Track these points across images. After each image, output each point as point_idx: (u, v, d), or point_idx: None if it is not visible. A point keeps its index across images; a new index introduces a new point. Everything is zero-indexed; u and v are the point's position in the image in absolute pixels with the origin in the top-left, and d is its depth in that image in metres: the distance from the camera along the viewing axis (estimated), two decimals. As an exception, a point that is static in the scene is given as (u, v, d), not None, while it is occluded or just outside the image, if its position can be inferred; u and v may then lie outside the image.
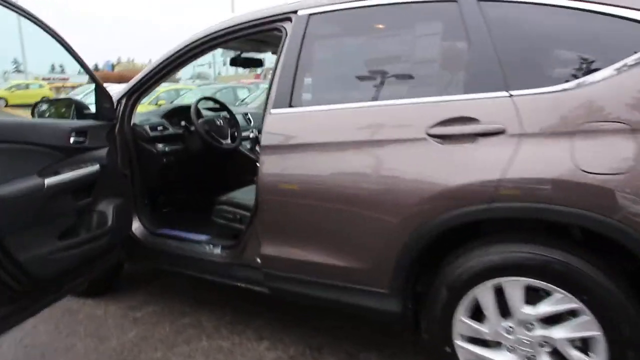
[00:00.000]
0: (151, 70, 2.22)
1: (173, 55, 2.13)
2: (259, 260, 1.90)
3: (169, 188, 2.70)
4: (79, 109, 2.12)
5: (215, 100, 2.76)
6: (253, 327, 2.20)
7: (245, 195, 2.28)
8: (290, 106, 1.75)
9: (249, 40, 2.44)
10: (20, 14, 1.68)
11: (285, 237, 1.77)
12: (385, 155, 1.52)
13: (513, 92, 1.38)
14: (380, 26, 1.69)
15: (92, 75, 2.04)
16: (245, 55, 2.83)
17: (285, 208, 1.73)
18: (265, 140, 1.76)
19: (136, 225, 2.34)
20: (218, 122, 2.62)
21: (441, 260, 1.53)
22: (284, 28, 1.84)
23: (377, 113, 1.56)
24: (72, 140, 1.89)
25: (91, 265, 2.01)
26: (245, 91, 13.17)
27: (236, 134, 2.71)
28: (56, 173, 1.75)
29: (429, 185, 1.44)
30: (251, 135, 2.86)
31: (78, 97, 2.46)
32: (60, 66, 73.19)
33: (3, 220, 1.51)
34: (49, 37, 1.80)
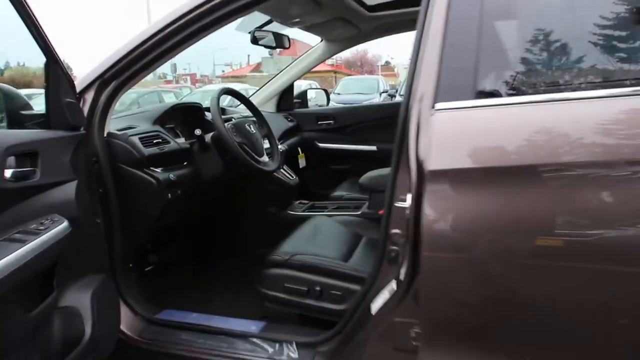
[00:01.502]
0: (148, 39, 1.24)
1: (199, 6, 1.18)
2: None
3: (167, 240, 1.68)
4: (12, 108, 1.08)
5: (241, 96, 1.76)
6: None
7: (317, 248, 1.38)
8: (479, 97, 0.93)
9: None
10: None
11: (490, 334, 0.93)
12: None
13: None
14: None
15: (47, 44, 1.02)
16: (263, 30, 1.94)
17: (488, 278, 0.90)
18: (434, 160, 0.91)
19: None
20: (249, 129, 1.65)
21: None
22: None
23: None
24: (8, 173, 0.89)
25: None
26: (172, 95, 11.86)
27: (271, 147, 1.76)
28: None
29: None
30: (281, 148, 1.92)
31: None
32: None
33: None
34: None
